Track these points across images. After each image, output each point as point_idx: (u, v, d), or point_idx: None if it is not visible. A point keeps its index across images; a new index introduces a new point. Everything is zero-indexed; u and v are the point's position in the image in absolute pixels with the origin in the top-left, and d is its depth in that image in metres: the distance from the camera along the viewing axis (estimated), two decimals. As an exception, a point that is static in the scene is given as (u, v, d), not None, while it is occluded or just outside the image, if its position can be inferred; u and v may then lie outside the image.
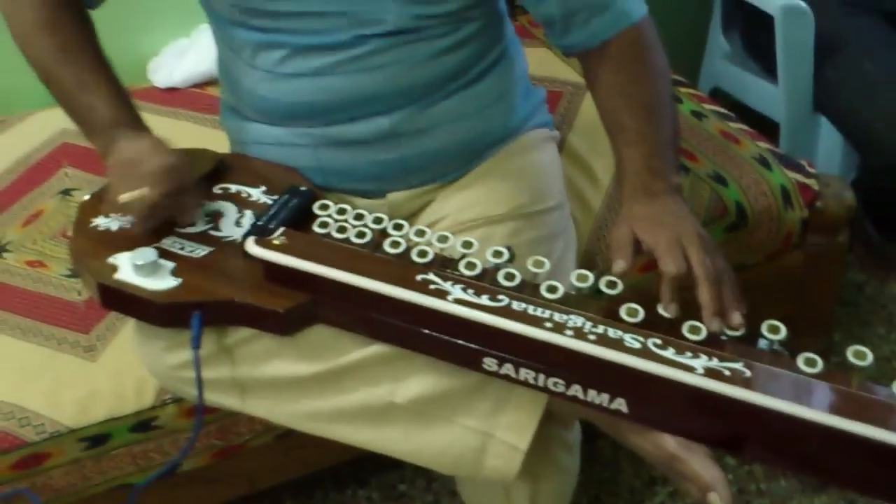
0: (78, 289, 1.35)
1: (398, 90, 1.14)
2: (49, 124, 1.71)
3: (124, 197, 1.01)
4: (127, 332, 1.25)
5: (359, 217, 1.07)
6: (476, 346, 0.95)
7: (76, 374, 1.23)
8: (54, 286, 1.36)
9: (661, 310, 0.94)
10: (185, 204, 1.07)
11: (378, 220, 1.06)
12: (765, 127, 1.67)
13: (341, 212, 1.08)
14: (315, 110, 1.15)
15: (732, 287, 0.95)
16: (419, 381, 1.01)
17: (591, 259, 1.37)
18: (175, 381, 1.09)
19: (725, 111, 1.67)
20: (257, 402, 1.07)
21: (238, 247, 1.06)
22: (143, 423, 1.22)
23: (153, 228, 1.06)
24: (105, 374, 1.23)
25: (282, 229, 1.05)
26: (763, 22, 1.77)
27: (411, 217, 1.22)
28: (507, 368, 0.95)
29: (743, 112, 1.74)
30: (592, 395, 0.93)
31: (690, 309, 0.94)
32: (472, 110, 1.19)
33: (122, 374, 1.22)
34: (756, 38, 1.92)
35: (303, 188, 1.13)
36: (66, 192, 1.55)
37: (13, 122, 1.76)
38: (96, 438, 1.20)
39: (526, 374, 0.94)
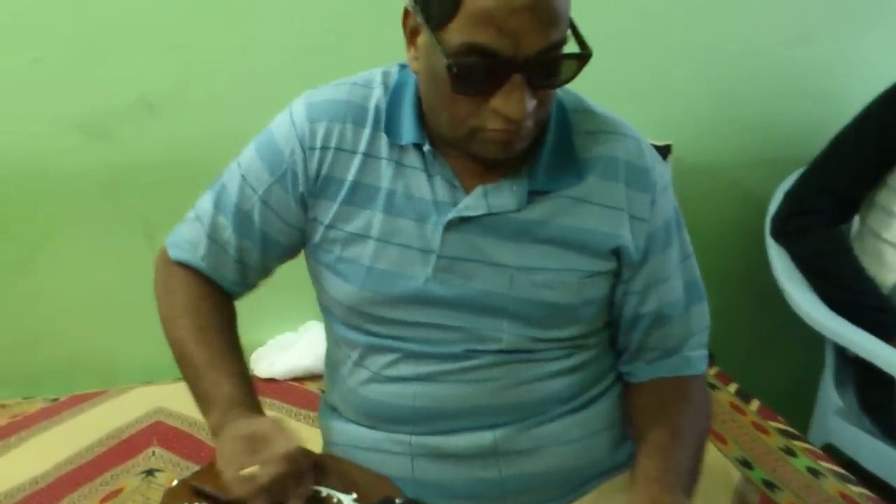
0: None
1: (504, 406, 1.12)
2: (146, 401, 1.73)
3: (246, 472, 0.98)
4: None
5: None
6: None
7: None
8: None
9: None
10: (297, 492, 1.02)
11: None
12: (882, 489, 1.55)
13: (437, 531, 1.01)
14: (417, 416, 1.13)
15: None
16: None
17: None
18: None
19: (845, 472, 1.56)
20: None
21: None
22: None
23: None
24: None
25: (376, 543, 0.98)
26: (880, 382, 1.71)
27: (504, 545, 1.13)
28: None
29: (857, 471, 1.63)
30: None
31: None
32: (578, 436, 1.15)
33: None
34: (872, 398, 1.84)
35: (398, 501, 1.07)
36: (150, 472, 1.52)
37: (113, 394, 1.78)
38: None
39: None
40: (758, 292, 1.97)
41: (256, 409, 1.11)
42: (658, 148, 1.97)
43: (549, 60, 0.97)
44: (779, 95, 2.13)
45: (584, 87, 1.25)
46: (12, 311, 1.88)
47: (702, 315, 1.19)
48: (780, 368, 2.16)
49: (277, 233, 1.15)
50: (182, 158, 1.79)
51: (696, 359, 1.18)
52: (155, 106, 1.78)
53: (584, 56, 0.99)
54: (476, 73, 0.96)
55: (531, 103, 0.97)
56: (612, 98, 1.81)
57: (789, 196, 1.95)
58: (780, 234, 1.96)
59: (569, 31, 0.98)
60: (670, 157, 2.00)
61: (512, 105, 0.97)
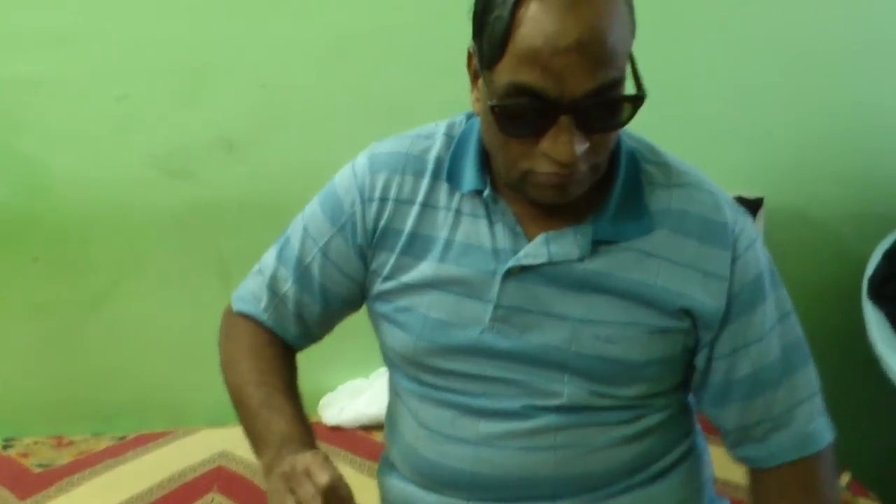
0: None
1: (567, 477, 1.06)
2: (211, 443, 1.73)
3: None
4: None
5: None
6: None
7: None
8: None
9: None
10: None
11: None
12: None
13: None
14: (475, 482, 1.07)
15: None
16: None
17: None
18: None
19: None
20: None
21: None
22: None
23: None
24: None
25: None
26: None
27: None
28: None
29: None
30: None
31: None
32: (646, 513, 1.08)
33: None
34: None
35: (448, 568, 1.01)
36: (207, 519, 1.50)
37: (179, 435, 1.79)
38: None
39: None
40: (852, 357, 1.86)
41: (311, 447, 1.04)
42: (749, 201, 1.90)
43: (600, 103, 0.92)
44: (881, 147, 2.02)
45: (670, 134, 1.20)
46: (90, 345, 1.92)
47: (809, 379, 1.09)
48: (874, 440, 2.03)
49: (337, 285, 1.14)
50: (259, 197, 1.81)
51: (817, 431, 1.08)
52: (234, 145, 1.80)
53: (637, 98, 0.94)
54: (522, 114, 0.93)
55: (581, 147, 0.93)
56: (701, 146, 1.76)
57: (889, 256, 1.86)
58: (877, 297, 1.85)
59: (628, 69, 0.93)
60: (762, 211, 1.91)
61: (559, 148, 0.92)
